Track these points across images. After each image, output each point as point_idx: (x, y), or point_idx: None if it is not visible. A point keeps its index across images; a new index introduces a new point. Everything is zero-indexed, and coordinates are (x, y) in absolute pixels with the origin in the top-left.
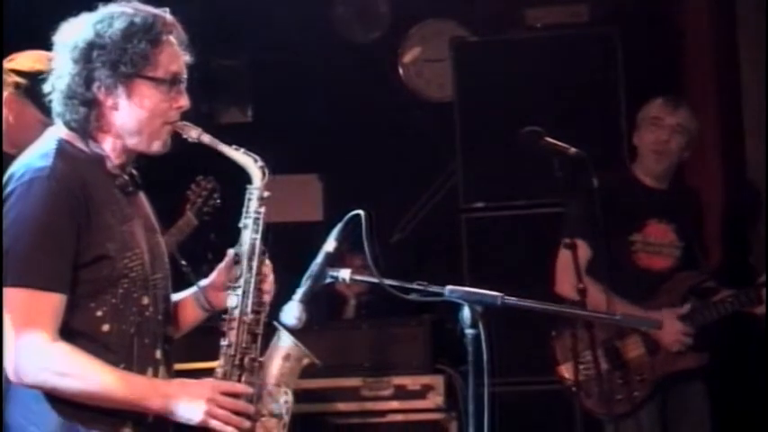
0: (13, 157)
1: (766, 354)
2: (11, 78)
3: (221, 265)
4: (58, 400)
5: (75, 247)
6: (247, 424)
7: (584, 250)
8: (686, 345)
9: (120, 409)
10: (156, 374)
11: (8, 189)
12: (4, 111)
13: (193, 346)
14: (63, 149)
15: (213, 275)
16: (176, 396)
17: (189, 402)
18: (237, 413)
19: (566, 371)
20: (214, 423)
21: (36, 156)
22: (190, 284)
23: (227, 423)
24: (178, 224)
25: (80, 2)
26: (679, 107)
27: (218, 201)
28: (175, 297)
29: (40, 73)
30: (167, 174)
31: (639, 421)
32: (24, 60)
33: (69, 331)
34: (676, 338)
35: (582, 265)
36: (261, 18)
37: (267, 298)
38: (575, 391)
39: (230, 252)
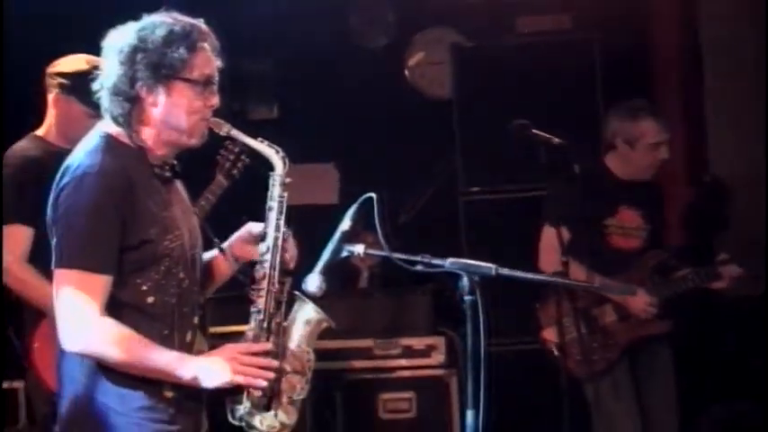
0: (67, 151)
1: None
2: (56, 81)
3: (242, 230)
4: (109, 370)
5: (121, 234)
6: (270, 375)
7: (564, 233)
8: (652, 313)
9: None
10: (194, 337)
11: (64, 181)
12: (54, 110)
13: (227, 313)
14: (110, 145)
15: (233, 238)
16: (203, 364)
17: (214, 366)
18: (262, 368)
19: (548, 335)
20: (239, 379)
21: (86, 151)
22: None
23: (253, 377)
24: (210, 188)
25: (125, 12)
26: (665, 122)
27: (247, 160)
28: (208, 256)
29: (81, 73)
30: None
31: (608, 380)
32: (66, 64)
33: (119, 303)
34: (643, 308)
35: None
36: (285, 27)
37: (290, 269)
38: (556, 353)
39: (249, 223)
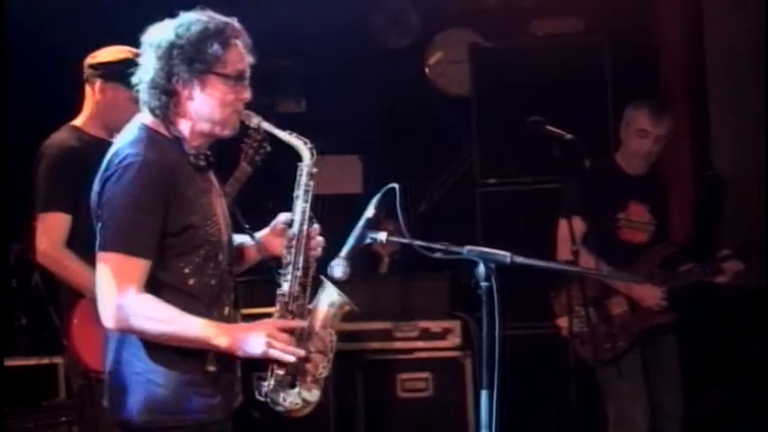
0: (103, 141)
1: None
2: (100, 71)
3: (273, 223)
4: (153, 347)
5: (163, 221)
6: (301, 352)
7: (579, 224)
8: (662, 305)
9: (198, 349)
10: (230, 313)
11: (109, 171)
12: (98, 97)
13: (256, 295)
14: (150, 136)
15: (266, 230)
16: (240, 335)
17: (252, 337)
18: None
19: (562, 323)
20: (273, 353)
21: (129, 142)
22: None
23: (284, 353)
24: (235, 174)
25: (162, 9)
26: (662, 119)
27: (269, 149)
28: (240, 240)
29: (125, 60)
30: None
31: (619, 366)
32: (107, 53)
33: (161, 284)
34: (656, 301)
35: (578, 237)
36: (313, 26)
37: (315, 253)
38: (569, 340)
39: (281, 215)
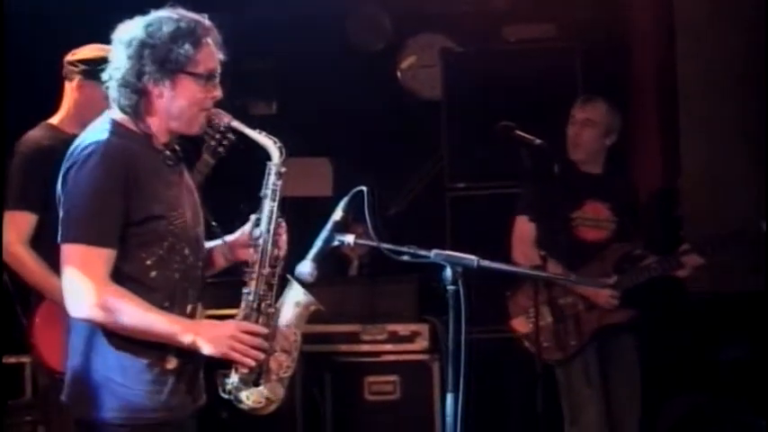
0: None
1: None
2: (79, 68)
3: (245, 227)
4: (112, 335)
5: (125, 209)
6: (262, 357)
7: (532, 225)
8: (614, 304)
9: (159, 347)
10: (194, 311)
11: (72, 160)
12: (76, 95)
13: (222, 296)
14: (116, 129)
15: (237, 234)
16: (204, 333)
17: (214, 339)
18: (254, 348)
19: (516, 324)
20: (234, 356)
21: (94, 132)
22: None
23: (245, 356)
24: (196, 166)
25: (134, 6)
26: (587, 103)
27: (233, 138)
28: (209, 245)
29: (101, 59)
30: None
31: (575, 365)
32: (87, 51)
33: (123, 276)
34: (606, 300)
35: (531, 237)
36: (286, 29)
37: (281, 253)
38: (525, 343)
39: (253, 217)
